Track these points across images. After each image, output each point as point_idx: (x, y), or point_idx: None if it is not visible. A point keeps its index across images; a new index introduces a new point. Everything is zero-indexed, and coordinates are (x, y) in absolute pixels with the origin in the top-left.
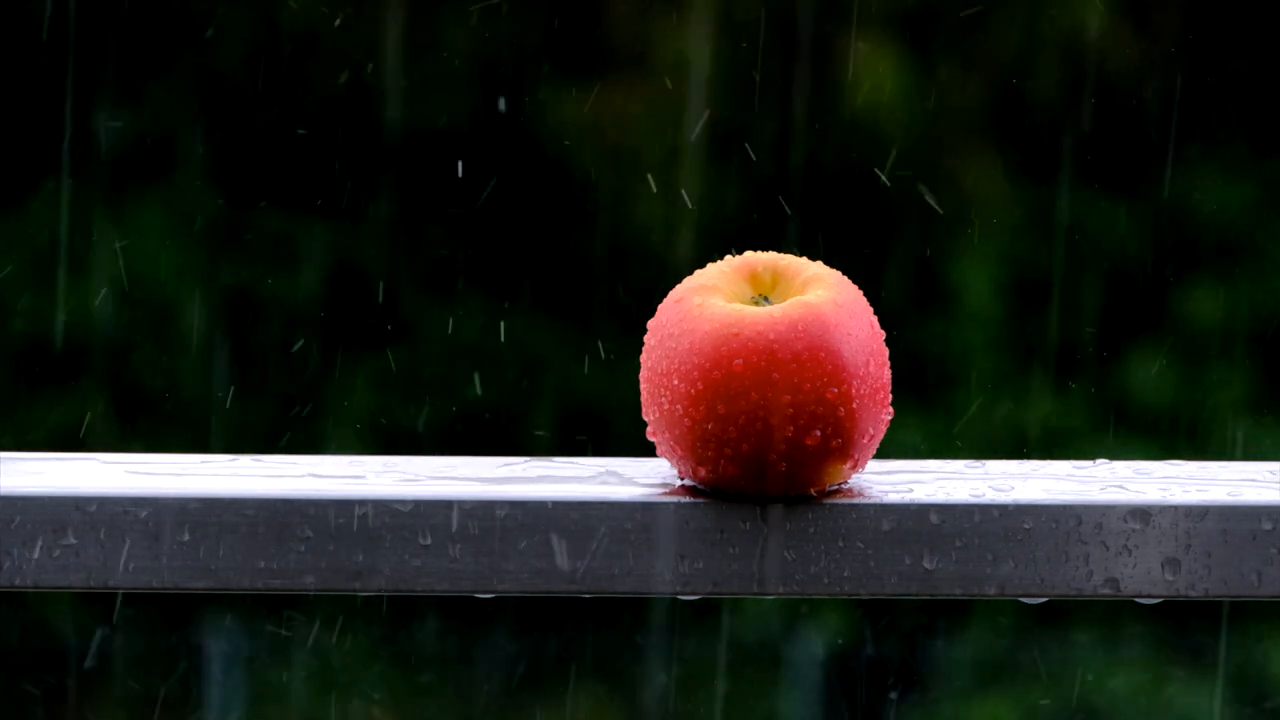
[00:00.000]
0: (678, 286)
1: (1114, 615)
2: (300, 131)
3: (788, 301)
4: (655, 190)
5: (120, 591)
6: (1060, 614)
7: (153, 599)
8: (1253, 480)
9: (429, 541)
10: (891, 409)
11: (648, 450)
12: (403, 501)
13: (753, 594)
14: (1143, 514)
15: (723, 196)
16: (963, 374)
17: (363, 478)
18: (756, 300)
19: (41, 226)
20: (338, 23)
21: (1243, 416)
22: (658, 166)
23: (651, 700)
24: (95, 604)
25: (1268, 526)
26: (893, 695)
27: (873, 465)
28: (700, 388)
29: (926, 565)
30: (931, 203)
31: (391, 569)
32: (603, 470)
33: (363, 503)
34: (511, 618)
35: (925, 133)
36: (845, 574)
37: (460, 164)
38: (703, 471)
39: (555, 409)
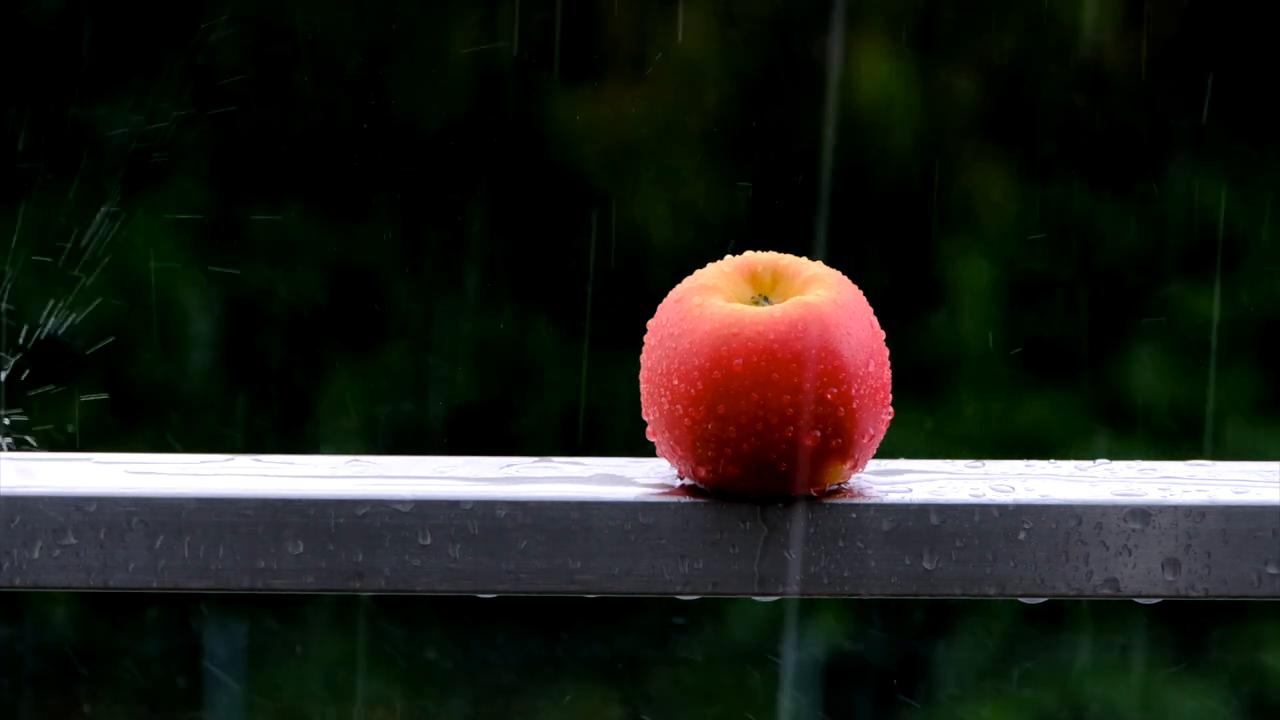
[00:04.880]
0: (678, 286)
1: (1114, 615)
2: (299, 131)
3: (788, 301)
4: (655, 189)
5: (120, 591)
6: (1060, 614)
7: (153, 599)
8: (1253, 480)
9: (429, 541)
10: (891, 409)
11: (648, 450)
12: (403, 501)
13: (753, 594)
14: (1143, 514)
15: (723, 196)
16: (962, 374)
17: (363, 478)
18: (756, 300)
19: (41, 225)
20: (338, 21)
21: (1243, 416)
22: (658, 166)
23: (651, 701)
24: (95, 604)
25: (1268, 526)
26: (892, 696)
27: (873, 465)
28: (700, 388)
29: (926, 565)
30: (931, 202)
31: (391, 569)
32: (603, 470)
33: (363, 503)
34: (511, 617)
35: (925, 132)
36: (845, 574)
37: (460, 163)
38: (703, 471)
39: (555, 409)
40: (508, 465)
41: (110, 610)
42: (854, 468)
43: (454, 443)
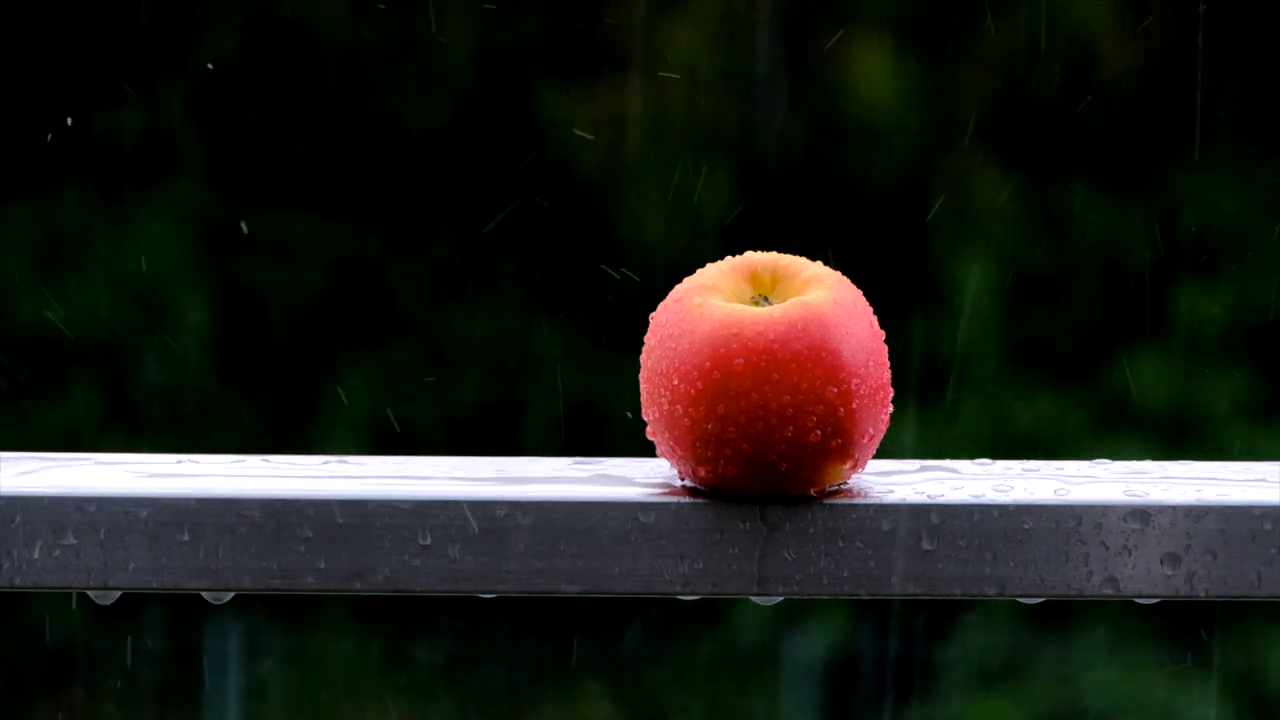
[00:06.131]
0: (678, 286)
1: (1114, 615)
2: (300, 131)
3: (788, 301)
4: (655, 189)
5: (120, 591)
6: (1060, 614)
7: (153, 599)
8: (1253, 480)
9: (429, 541)
10: (891, 408)
11: (648, 450)
12: (403, 501)
13: (753, 594)
14: (1143, 514)
15: (722, 196)
16: (962, 374)
17: (363, 478)
18: (756, 300)
19: (42, 225)
20: (337, 21)
21: (1242, 416)
22: (657, 165)
23: (651, 701)
24: (95, 603)
25: (1268, 526)
26: (892, 696)
27: (873, 465)
28: (700, 388)
29: (926, 566)
30: (931, 202)
31: (391, 569)
32: (603, 470)
33: (363, 503)
34: (512, 618)
35: (925, 132)
36: (845, 574)
37: (460, 163)
38: (703, 471)
39: (555, 409)
40: (508, 465)
41: (110, 610)
42: (854, 468)
43: (455, 443)
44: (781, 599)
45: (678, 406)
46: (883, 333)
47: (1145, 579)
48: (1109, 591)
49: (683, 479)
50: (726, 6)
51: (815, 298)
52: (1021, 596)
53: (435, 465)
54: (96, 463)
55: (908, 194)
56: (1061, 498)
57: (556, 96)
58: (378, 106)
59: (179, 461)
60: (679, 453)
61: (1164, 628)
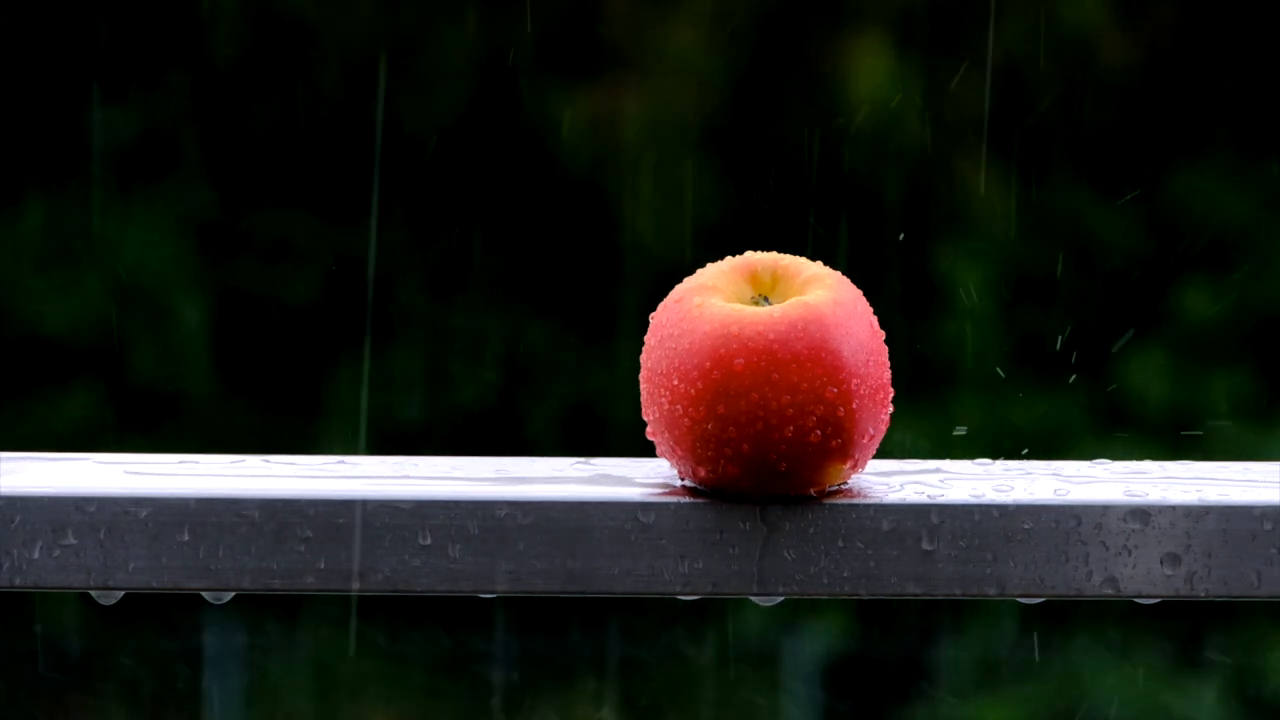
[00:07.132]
0: (678, 286)
1: (1114, 615)
2: (299, 131)
3: (788, 302)
4: (655, 190)
5: (122, 591)
6: (1060, 614)
7: (153, 598)
8: (1253, 480)
9: (429, 541)
10: (891, 408)
11: (648, 450)
12: (403, 501)
13: (753, 594)
14: (1143, 514)
15: (722, 196)
16: (961, 374)
17: (363, 478)
18: (756, 300)
19: (41, 225)
20: (336, 21)
21: (1242, 416)
22: (657, 166)
23: (650, 700)
24: (95, 603)
25: (1268, 526)
26: (893, 696)
27: (873, 465)
28: (700, 388)
29: (926, 566)
30: (930, 202)
31: (391, 569)
32: (603, 470)
33: (363, 503)
34: (511, 618)
35: (923, 132)
36: (845, 574)
37: (459, 163)
38: (703, 471)
39: (555, 409)
40: (507, 465)
41: (110, 610)
42: (854, 468)
43: (455, 442)
44: (781, 599)
45: (678, 406)
46: (883, 333)
47: (1145, 579)
48: (1109, 591)
49: (683, 479)
50: (725, 5)
51: (815, 298)
52: (1021, 596)
53: (435, 465)
54: (96, 463)
55: (907, 193)
56: (1061, 498)
57: (555, 95)
58: (377, 107)
59: (179, 461)
60: (679, 453)
61: (1164, 628)
